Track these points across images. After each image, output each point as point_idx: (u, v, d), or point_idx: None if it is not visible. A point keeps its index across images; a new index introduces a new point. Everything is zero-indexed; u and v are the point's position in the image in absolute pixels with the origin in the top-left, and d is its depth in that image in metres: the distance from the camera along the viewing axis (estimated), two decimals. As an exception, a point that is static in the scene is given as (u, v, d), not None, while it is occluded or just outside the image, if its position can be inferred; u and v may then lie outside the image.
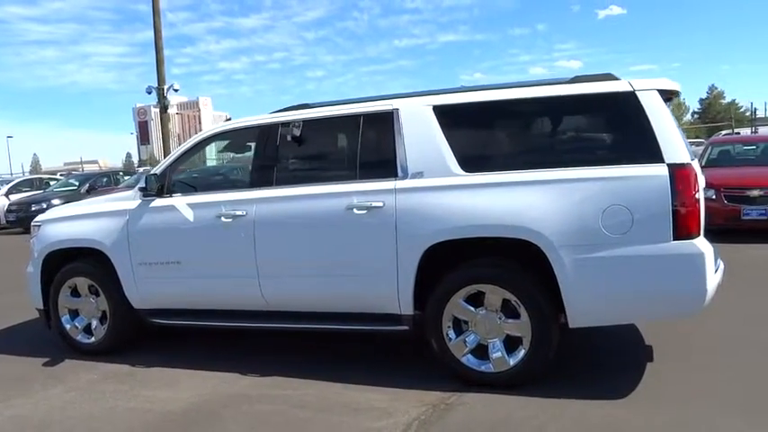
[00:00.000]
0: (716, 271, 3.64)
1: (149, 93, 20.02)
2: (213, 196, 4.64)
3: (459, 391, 3.85)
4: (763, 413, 3.34)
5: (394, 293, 4.03)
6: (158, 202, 4.74)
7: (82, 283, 5.08)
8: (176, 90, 19.95)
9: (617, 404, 3.56)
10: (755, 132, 24.57)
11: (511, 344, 3.86)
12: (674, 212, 3.44)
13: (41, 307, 5.28)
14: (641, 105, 3.60)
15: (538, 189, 3.68)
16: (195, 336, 5.34)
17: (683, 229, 3.45)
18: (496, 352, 3.86)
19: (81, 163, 76.28)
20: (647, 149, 3.54)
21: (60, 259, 5.18)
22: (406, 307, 4.04)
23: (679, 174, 3.46)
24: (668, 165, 3.48)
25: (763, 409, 3.38)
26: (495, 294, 3.83)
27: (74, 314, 5.19)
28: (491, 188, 3.79)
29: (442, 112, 4.04)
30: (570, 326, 3.73)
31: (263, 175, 4.48)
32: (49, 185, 19.48)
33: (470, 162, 3.91)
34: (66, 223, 5.15)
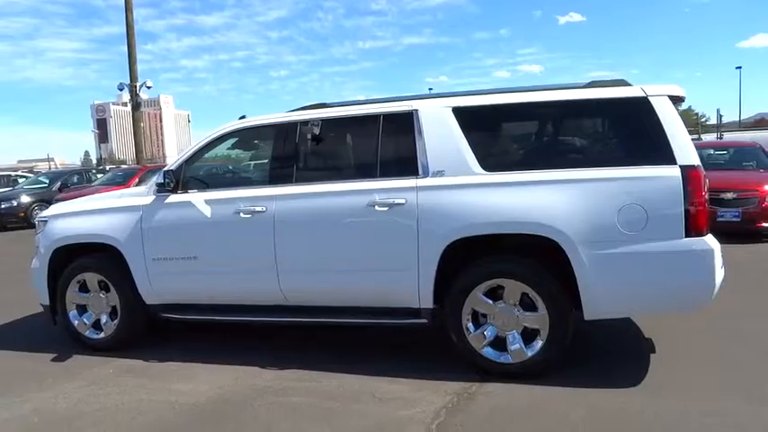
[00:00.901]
0: (721, 266, 3.89)
1: (121, 89, 19.72)
2: (231, 192, 4.70)
3: (479, 382, 4.01)
4: (762, 400, 3.59)
5: (414, 288, 4.17)
6: (174, 198, 4.77)
7: (91, 278, 5.08)
8: (149, 87, 19.66)
9: (629, 393, 3.76)
10: (721, 138, 25.54)
11: (528, 336, 4.04)
12: (686, 211, 3.67)
13: (47, 303, 5.24)
14: (654, 110, 3.83)
15: (557, 188, 3.87)
16: (204, 331, 5.39)
17: (693, 227, 3.69)
18: (515, 344, 4.03)
19: (34, 161, 74.07)
20: (660, 151, 3.76)
21: (67, 255, 5.16)
22: (426, 301, 4.19)
23: (690, 175, 3.69)
24: (680, 166, 3.71)
25: (762, 396, 3.63)
26: (514, 288, 4.00)
27: (81, 310, 5.18)
28: (512, 187, 3.96)
29: (462, 114, 4.20)
30: (585, 318, 3.93)
31: (282, 172, 4.57)
32: (18, 183, 18.98)
33: (490, 162, 4.08)
34: (75, 219, 5.13)
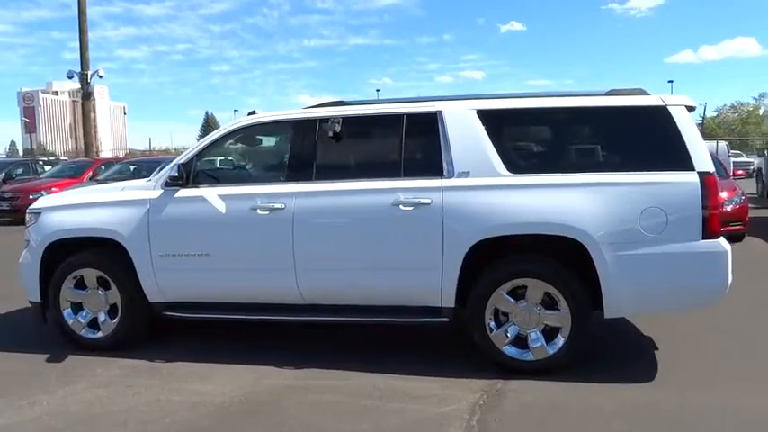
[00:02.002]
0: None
1: (71, 77, 18.86)
2: (247, 188, 4.63)
3: (502, 379, 4.10)
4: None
5: (437, 287, 4.23)
6: (184, 192, 4.65)
7: (90, 274, 4.87)
8: (101, 76, 18.89)
9: (649, 387, 3.94)
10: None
11: (548, 334, 4.16)
12: (704, 215, 3.88)
13: (38, 300, 5.00)
14: (673, 118, 4.02)
15: (581, 191, 4.01)
16: (204, 330, 5.26)
17: (710, 230, 3.90)
18: (536, 341, 4.14)
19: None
20: (679, 158, 3.96)
21: (62, 250, 4.93)
22: (448, 300, 4.25)
23: (707, 181, 3.90)
24: (698, 172, 3.91)
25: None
26: (537, 288, 4.11)
27: (76, 308, 4.96)
28: (538, 189, 4.08)
29: (486, 116, 4.28)
30: (605, 316, 4.09)
31: (301, 169, 4.52)
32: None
33: (515, 164, 4.18)
34: (73, 211, 4.92)
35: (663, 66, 75.02)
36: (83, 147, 22.41)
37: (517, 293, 4.17)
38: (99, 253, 4.88)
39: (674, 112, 4.04)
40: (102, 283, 4.88)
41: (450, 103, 4.40)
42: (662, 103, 4.08)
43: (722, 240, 3.95)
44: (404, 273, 4.29)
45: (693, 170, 3.93)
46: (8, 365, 4.67)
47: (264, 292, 4.59)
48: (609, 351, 4.66)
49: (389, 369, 4.32)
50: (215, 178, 4.83)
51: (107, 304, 4.89)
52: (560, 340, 4.12)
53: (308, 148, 4.54)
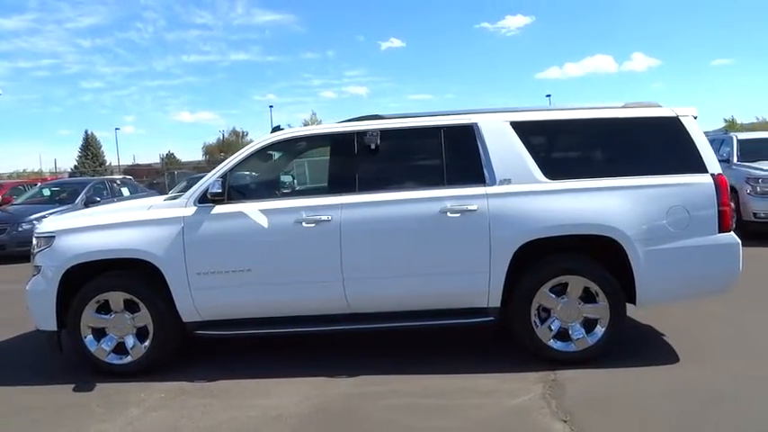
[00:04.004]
0: None
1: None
2: (289, 202, 4.66)
3: (549, 371, 4.40)
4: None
5: (485, 288, 4.48)
6: (221, 208, 4.60)
7: (116, 298, 4.67)
8: None
9: (680, 369, 4.38)
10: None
11: (587, 326, 4.53)
12: (719, 211, 4.41)
13: (54, 329, 4.71)
14: (684, 127, 4.56)
15: (614, 193, 4.43)
16: (224, 347, 5.18)
17: (724, 224, 4.44)
18: (578, 333, 4.50)
19: None
20: (694, 162, 4.49)
21: (74, 275, 4.69)
22: (495, 300, 4.51)
23: (720, 181, 4.45)
24: (711, 174, 4.46)
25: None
26: (577, 284, 4.48)
27: (98, 333, 4.73)
28: (575, 193, 4.45)
29: (521, 128, 4.61)
30: (637, 306, 4.53)
31: (344, 181, 4.62)
32: None
33: (551, 170, 4.53)
34: (96, 233, 4.69)
35: (534, 81, 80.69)
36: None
37: (558, 290, 4.51)
38: (127, 275, 4.69)
39: (684, 121, 4.58)
40: (129, 306, 4.69)
41: (484, 116, 4.69)
42: (674, 114, 4.61)
43: (734, 234, 4.51)
44: (452, 276, 4.50)
45: (707, 172, 4.46)
46: (35, 399, 4.38)
47: (309, 303, 4.62)
48: (627, 340, 5.09)
49: (440, 370, 4.50)
50: (250, 193, 4.80)
51: (134, 327, 4.70)
52: (600, 331, 4.49)
53: (350, 161, 4.66)
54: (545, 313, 4.56)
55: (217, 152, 60.46)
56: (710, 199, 4.41)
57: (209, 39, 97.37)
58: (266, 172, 5.29)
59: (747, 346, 4.83)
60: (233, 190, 4.71)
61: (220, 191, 4.52)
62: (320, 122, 59.43)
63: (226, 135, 63.13)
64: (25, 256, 11.12)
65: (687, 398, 3.87)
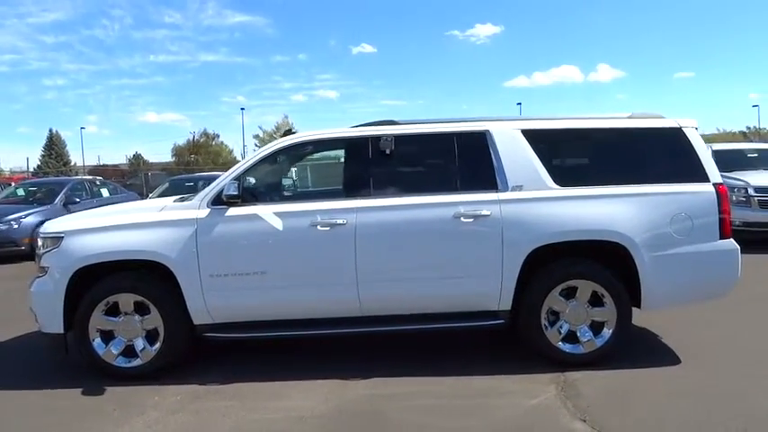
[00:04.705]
0: None
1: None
2: (304, 205, 4.69)
3: (559, 372, 4.51)
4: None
5: (497, 292, 4.58)
6: (236, 210, 4.61)
7: (126, 299, 4.63)
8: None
9: (681, 368, 4.56)
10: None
11: (595, 328, 4.66)
12: (720, 219, 4.60)
13: (60, 331, 4.65)
14: (687, 137, 4.74)
15: (622, 200, 4.58)
16: (228, 350, 5.18)
17: (724, 231, 4.63)
18: (586, 336, 4.63)
19: None
20: (696, 171, 4.67)
21: (81, 277, 4.64)
22: (505, 303, 4.61)
23: (720, 190, 4.64)
24: (713, 183, 4.64)
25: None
26: (586, 287, 4.61)
27: (105, 336, 4.67)
28: (585, 200, 4.59)
29: (531, 136, 4.73)
30: (642, 309, 4.67)
31: (358, 185, 4.68)
32: None
33: (561, 177, 4.66)
34: (107, 234, 4.64)
35: (503, 89, 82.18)
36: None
37: (567, 293, 4.63)
38: (137, 276, 4.65)
39: (687, 132, 4.76)
40: (139, 309, 4.65)
41: (496, 123, 4.80)
42: (677, 125, 4.79)
43: (733, 240, 4.70)
44: (465, 280, 4.59)
45: (709, 181, 4.65)
46: (48, 402, 4.32)
47: (322, 306, 4.65)
48: (628, 343, 5.25)
49: (450, 372, 4.59)
50: (264, 196, 4.81)
51: (143, 330, 4.67)
52: (607, 333, 4.63)
53: (365, 165, 4.71)
54: (553, 316, 4.68)
55: (187, 154, 59.64)
56: (712, 207, 4.60)
57: (177, 39, 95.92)
58: (280, 175, 5.31)
59: (742, 347, 5.03)
60: (246, 192, 4.72)
61: (236, 193, 4.53)
62: (292, 125, 59.25)
63: (197, 137, 62.14)
64: (5, 257, 10.98)
65: (696, 397, 4.03)
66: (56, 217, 11.58)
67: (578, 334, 4.65)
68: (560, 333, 4.64)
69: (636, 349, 4.98)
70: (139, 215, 4.79)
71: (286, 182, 5.34)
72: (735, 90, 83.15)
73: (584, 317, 4.65)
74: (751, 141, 37.41)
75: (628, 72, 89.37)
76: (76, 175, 46.11)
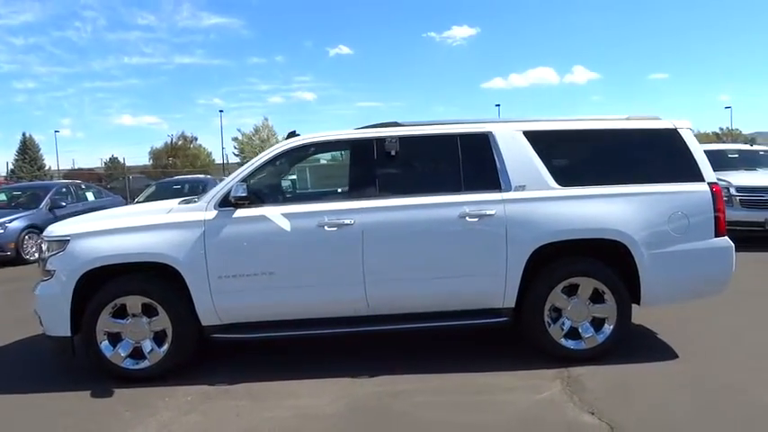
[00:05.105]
0: None
1: None
2: (311, 206, 4.75)
3: (563, 368, 4.62)
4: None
5: (501, 290, 4.68)
6: (243, 212, 4.65)
7: (134, 302, 4.64)
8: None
9: (680, 363, 4.70)
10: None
11: (596, 325, 4.78)
12: (715, 217, 4.76)
13: (67, 334, 4.64)
14: (683, 138, 4.89)
15: (621, 200, 4.72)
16: (230, 351, 5.21)
17: (719, 230, 4.79)
18: (587, 332, 4.75)
19: None
20: (692, 171, 4.83)
21: (87, 279, 4.64)
22: (509, 301, 4.72)
23: (715, 189, 4.80)
24: (708, 183, 4.80)
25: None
26: (587, 285, 4.73)
27: (113, 338, 4.68)
28: (586, 199, 4.71)
29: (532, 137, 4.85)
30: (641, 306, 4.81)
31: (364, 186, 4.75)
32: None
33: (562, 177, 4.78)
34: (114, 236, 4.65)
35: (480, 90, 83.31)
36: None
37: (569, 291, 4.75)
38: (146, 278, 4.67)
39: (682, 132, 4.92)
40: (146, 310, 4.67)
41: (498, 125, 4.91)
42: (672, 126, 4.94)
43: (727, 238, 4.86)
44: (470, 279, 4.68)
45: (704, 181, 4.80)
46: (60, 405, 4.31)
47: (329, 305, 4.71)
48: (626, 339, 5.38)
49: (455, 369, 4.67)
50: (270, 197, 4.86)
51: (151, 332, 4.68)
52: (608, 329, 4.75)
53: (371, 166, 4.78)
54: (555, 313, 4.79)
55: (165, 157, 59.02)
56: (708, 206, 4.75)
57: (151, 40, 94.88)
58: (286, 177, 5.35)
59: (736, 341, 5.21)
60: (253, 194, 4.75)
61: (245, 194, 4.57)
62: (272, 127, 58.98)
63: (175, 139, 61.54)
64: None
65: (698, 390, 4.17)
66: (42, 221, 11.66)
67: (580, 330, 4.77)
68: (563, 330, 4.76)
69: (634, 345, 5.11)
70: (146, 218, 4.80)
71: (292, 183, 5.37)
72: (707, 92, 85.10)
73: (586, 313, 4.77)
74: (724, 142, 38.24)
75: (603, 74, 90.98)
76: (51, 179, 45.43)
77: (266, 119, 60.09)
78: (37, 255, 11.21)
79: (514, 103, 79.62)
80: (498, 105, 66.35)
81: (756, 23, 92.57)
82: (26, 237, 11.30)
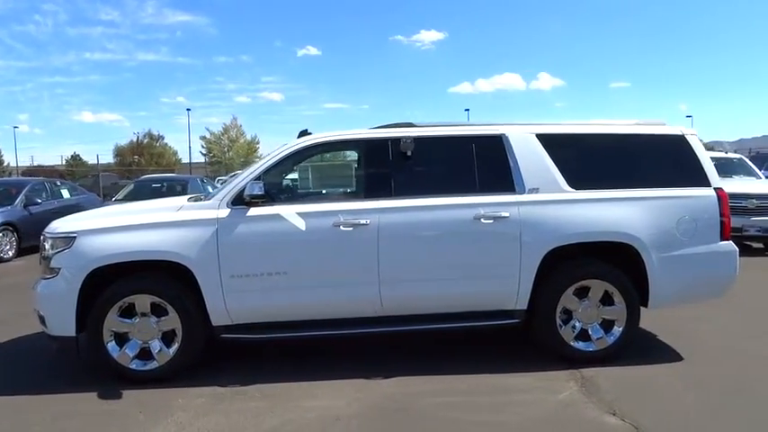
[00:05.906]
0: None
1: None
2: (326, 205, 4.70)
3: (574, 369, 4.67)
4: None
5: (514, 292, 4.71)
6: (257, 210, 4.57)
7: (143, 301, 4.52)
8: None
9: (686, 364, 4.80)
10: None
11: (605, 327, 4.85)
12: (721, 222, 4.88)
13: (72, 334, 4.49)
14: (690, 144, 5.01)
15: (632, 203, 4.80)
16: (232, 351, 5.13)
17: (724, 234, 4.91)
18: (597, 333, 4.82)
19: None
20: (699, 176, 4.94)
21: (93, 278, 4.51)
22: (522, 303, 4.75)
23: (721, 194, 4.92)
24: (714, 188, 4.92)
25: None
26: (598, 287, 4.80)
27: (119, 338, 4.55)
28: (598, 203, 4.78)
29: (545, 140, 4.90)
30: (649, 308, 4.89)
31: (380, 186, 4.72)
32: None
33: (574, 180, 4.84)
34: (123, 234, 4.52)
35: (447, 95, 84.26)
36: None
37: (580, 293, 4.81)
38: (156, 277, 4.56)
39: (689, 138, 5.03)
40: (155, 310, 4.55)
41: (512, 127, 4.94)
42: (680, 132, 5.05)
43: (732, 242, 4.98)
44: (484, 280, 4.70)
45: (710, 186, 4.92)
46: (68, 407, 4.16)
47: (343, 306, 4.67)
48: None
49: (468, 370, 4.68)
50: (284, 196, 4.80)
51: (160, 331, 4.57)
52: (617, 331, 4.83)
53: (386, 166, 4.76)
54: (566, 315, 4.84)
55: (129, 155, 57.85)
56: (714, 210, 4.87)
57: (114, 36, 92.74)
58: (298, 175, 5.29)
59: (737, 341, 5.36)
60: (266, 192, 4.68)
61: (261, 193, 4.49)
62: (241, 127, 58.34)
63: (140, 137, 60.37)
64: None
65: (709, 389, 4.28)
66: (17, 218, 11.29)
67: (590, 332, 4.83)
68: (573, 331, 4.81)
69: (638, 347, 5.19)
70: (156, 215, 4.68)
71: (304, 182, 5.32)
72: (667, 101, 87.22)
73: (596, 315, 4.83)
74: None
75: (567, 81, 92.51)
76: (10, 175, 44.06)
77: (235, 118, 59.51)
78: (11, 253, 10.96)
79: (481, 108, 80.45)
80: (468, 110, 67.05)
81: (712, 35, 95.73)
82: (0, 234, 10.91)
